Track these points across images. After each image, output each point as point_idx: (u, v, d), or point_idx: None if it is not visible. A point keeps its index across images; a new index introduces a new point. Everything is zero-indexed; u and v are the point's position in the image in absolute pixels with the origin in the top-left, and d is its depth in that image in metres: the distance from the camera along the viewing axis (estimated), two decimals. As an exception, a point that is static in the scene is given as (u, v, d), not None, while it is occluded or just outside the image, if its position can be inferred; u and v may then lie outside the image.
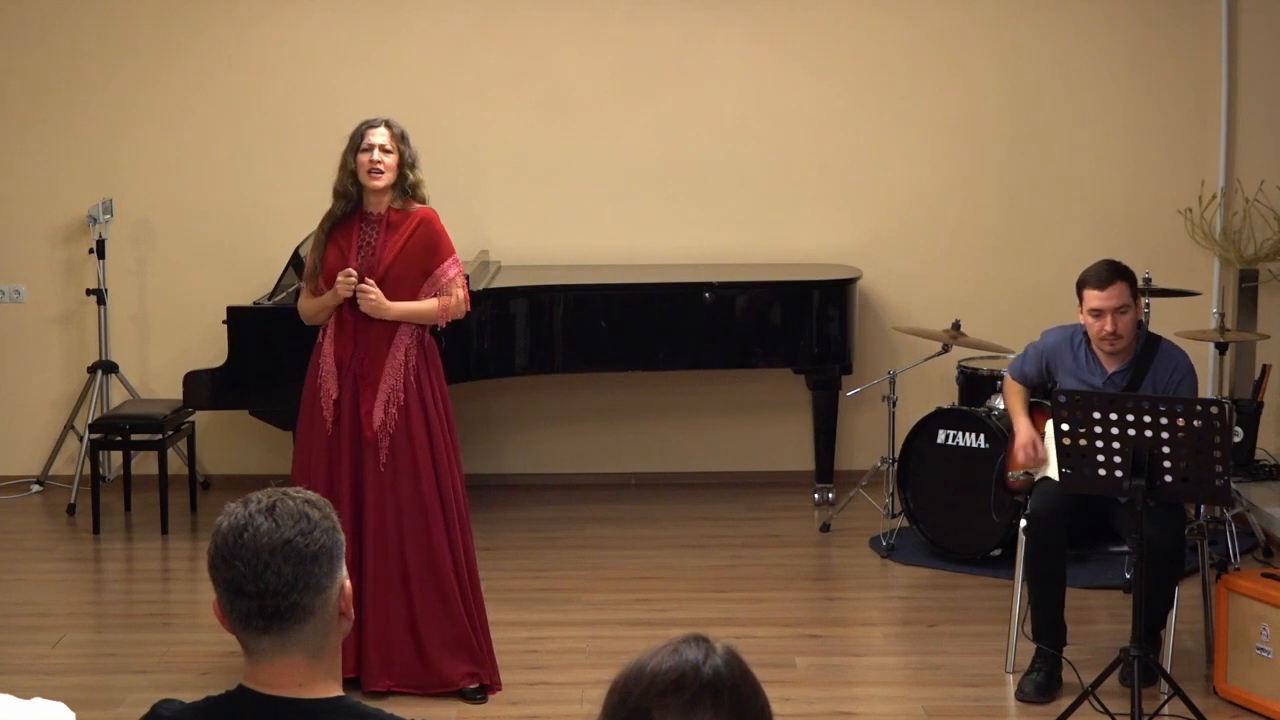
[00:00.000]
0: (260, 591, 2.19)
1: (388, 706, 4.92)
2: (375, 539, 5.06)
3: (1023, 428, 5.44)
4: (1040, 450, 5.32)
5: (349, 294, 5.03)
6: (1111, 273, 5.14)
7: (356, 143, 5.08)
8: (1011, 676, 5.27)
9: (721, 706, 1.88)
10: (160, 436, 7.06)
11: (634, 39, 7.70)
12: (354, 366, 5.09)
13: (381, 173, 5.05)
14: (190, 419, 7.34)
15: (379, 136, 5.06)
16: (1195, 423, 4.53)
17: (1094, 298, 5.14)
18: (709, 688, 1.88)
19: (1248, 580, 5.10)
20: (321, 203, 7.71)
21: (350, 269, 5.03)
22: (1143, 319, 5.73)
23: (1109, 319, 5.12)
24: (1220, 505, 5.64)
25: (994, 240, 7.79)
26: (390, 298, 5.05)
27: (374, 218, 5.12)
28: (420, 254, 5.10)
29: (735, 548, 6.85)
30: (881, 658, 5.68)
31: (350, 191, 5.09)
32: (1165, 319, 6.78)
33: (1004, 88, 7.73)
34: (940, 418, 6.53)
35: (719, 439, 7.90)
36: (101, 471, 7.38)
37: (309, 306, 5.17)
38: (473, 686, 5.11)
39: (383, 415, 5.04)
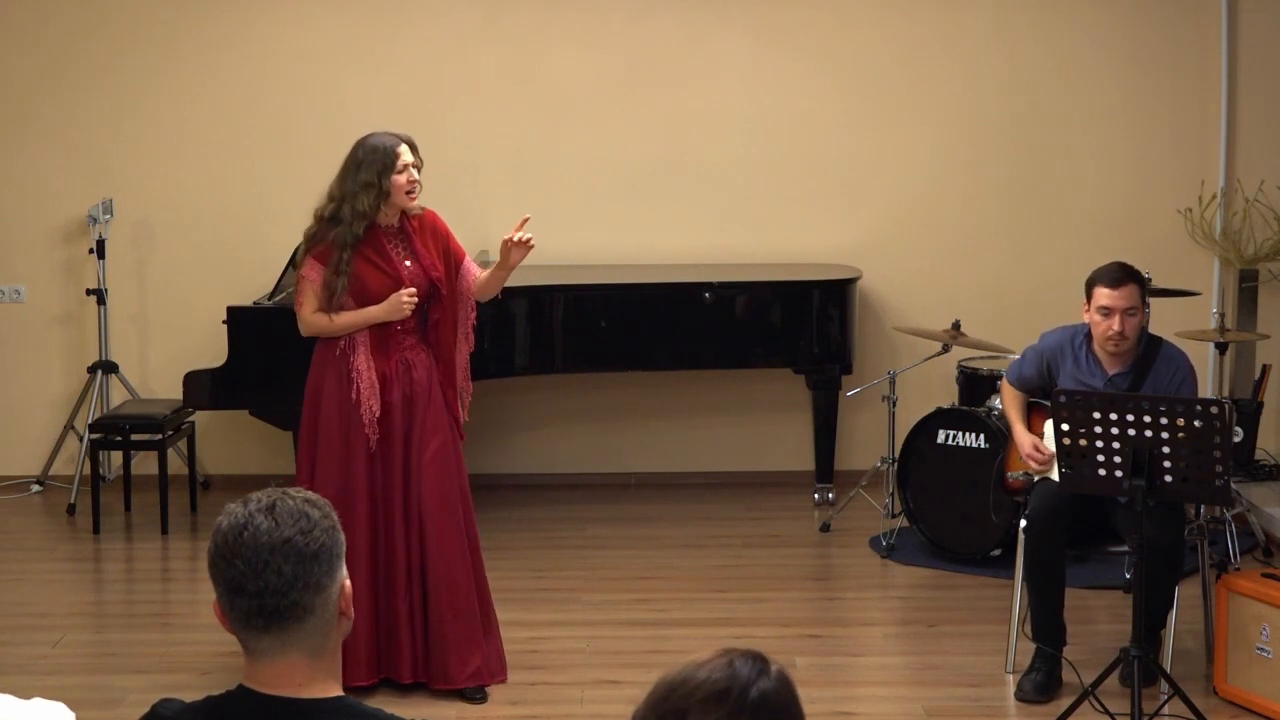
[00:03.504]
0: (260, 590, 2.19)
1: (404, 704, 4.96)
2: (406, 542, 5.08)
3: (1020, 435, 5.43)
4: (1045, 450, 5.31)
5: (410, 312, 5.04)
6: (1125, 274, 5.16)
7: (389, 163, 4.98)
8: (1011, 676, 5.27)
9: None
10: (160, 436, 7.06)
11: (634, 38, 7.70)
12: (401, 381, 5.08)
13: (415, 192, 5.05)
14: (190, 419, 7.34)
15: (409, 155, 5.03)
16: (1195, 423, 4.54)
17: (1104, 295, 5.14)
18: (750, 708, 1.90)
19: (1248, 580, 5.10)
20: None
21: (412, 289, 5.03)
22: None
23: (1118, 319, 5.12)
24: (1220, 505, 5.64)
25: (994, 240, 7.78)
26: (445, 299, 5.13)
27: (391, 229, 5.08)
28: (446, 253, 5.15)
29: (735, 548, 6.85)
30: (881, 658, 5.68)
31: (373, 212, 5.01)
32: (1165, 319, 6.77)
33: (1004, 87, 7.73)
34: (940, 418, 6.53)
35: (719, 439, 7.90)
36: (101, 471, 7.38)
37: (343, 322, 5.03)
38: (471, 687, 5.12)
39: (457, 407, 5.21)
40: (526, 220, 5.11)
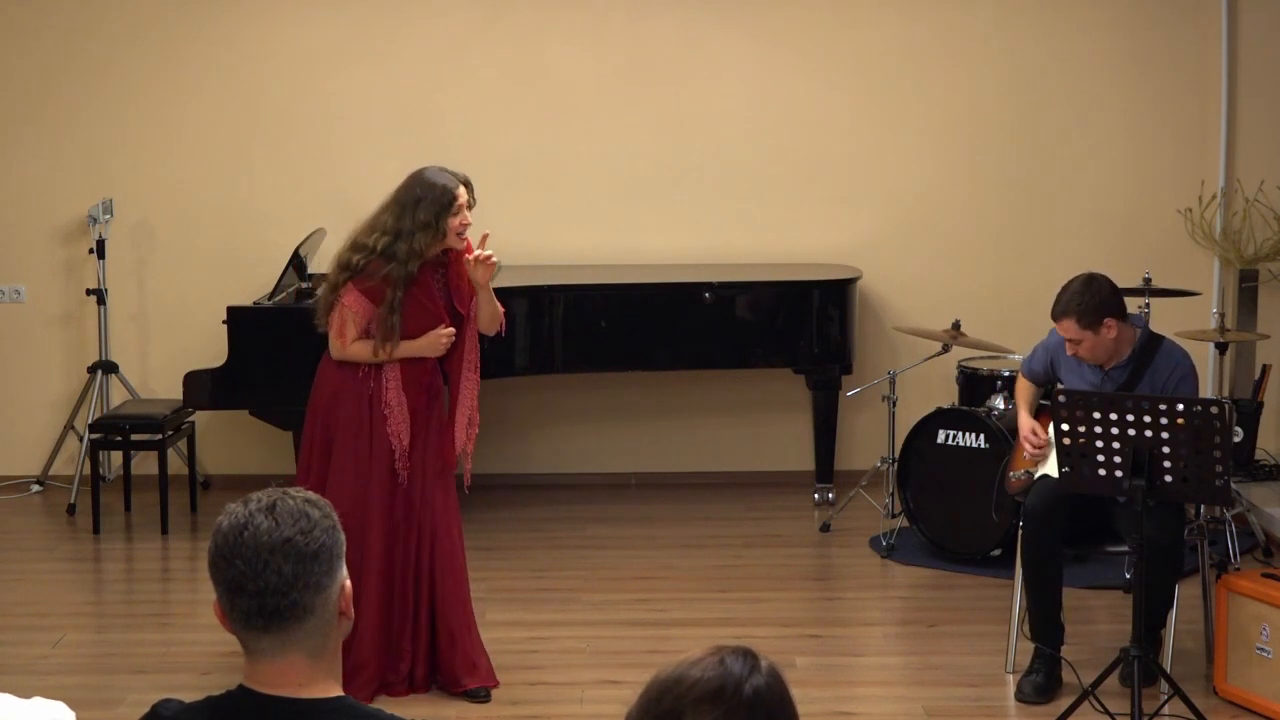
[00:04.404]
0: (260, 590, 2.19)
1: (403, 704, 4.97)
2: (416, 562, 5.10)
3: (1023, 420, 5.45)
4: (1043, 435, 5.31)
5: (445, 350, 5.08)
6: (1064, 308, 5.12)
7: (447, 203, 4.95)
8: (1011, 676, 5.27)
9: None
10: (160, 436, 7.06)
11: (634, 38, 7.70)
12: (424, 414, 5.10)
13: (465, 234, 5.05)
14: (190, 419, 7.34)
15: (464, 195, 5.00)
16: (1195, 423, 4.54)
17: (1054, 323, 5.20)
18: (745, 706, 1.90)
19: (1248, 580, 5.10)
20: (322, 202, 7.75)
21: (451, 329, 5.06)
22: (1144, 316, 5.74)
23: (1069, 345, 5.18)
24: (1220, 505, 5.64)
25: (994, 240, 7.78)
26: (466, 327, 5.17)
27: (430, 262, 5.06)
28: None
29: (735, 548, 6.84)
30: (881, 658, 5.68)
31: (427, 251, 4.98)
32: (1165, 319, 6.77)
33: (1004, 87, 7.73)
34: (940, 418, 6.53)
35: (719, 439, 7.89)
36: (101, 471, 7.38)
37: (398, 355, 5.04)
38: (482, 687, 5.16)
39: (464, 436, 5.23)
40: (487, 237, 5.08)
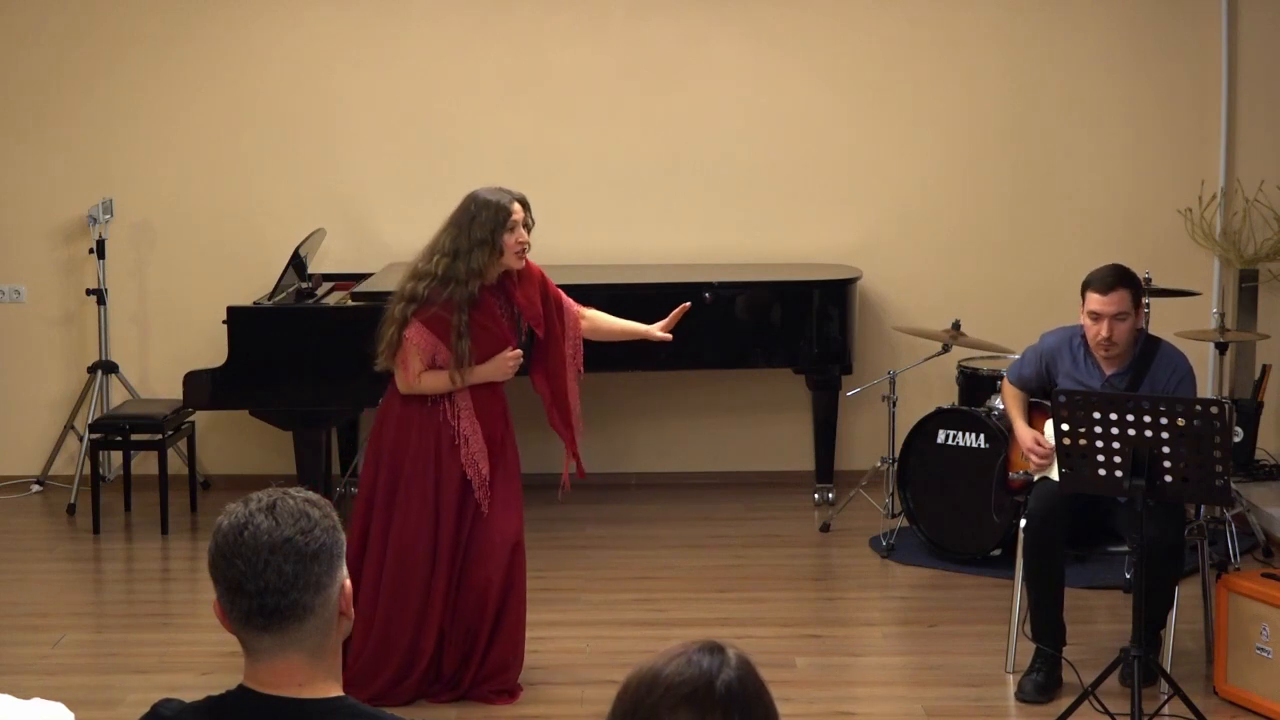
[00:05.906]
0: (260, 590, 2.19)
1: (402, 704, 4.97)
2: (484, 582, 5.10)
3: (1021, 431, 5.44)
4: (1045, 444, 5.30)
5: (513, 373, 5.07)
6: (1116, 279, 5.13)
7: (502, 219, 4.93)
8: (1011, 676, 5.27)
9: None
10: (160, 436, 7.06)
11: (634, 39, 7.71)
12: (503, 440, 5.10)
13: (525, 253, 5.04)
14: (190, 419, 7.34)
15: (519, 212, 4.99)
16: (1195, 423, 4.54)
17: (1094, 300, 5.14)
18: (720, 703, 1.90)
19: (1248, 580, 5.10)
20: (322, 202, 7.76)
21: (518, 351, 5.06)
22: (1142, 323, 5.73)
23: (1106, 324, 5.12)
24: (1220, 505, 5.64)
25: (994, 240, 7.79)
26: (548, 343, 5.20)
27: (492, 285, 5.04)
28: (544, 296, 5.18)
29: (735, 548, 6.85)
30: (881, 658, 5.68)
31: (486, 269, 4.96)
32: (1165, 319, 6.78)
33: (1004, 87, 7.73)
34: (940, 418, 6.53)
35: (719, 439, 7.90)
36: (101, 471, 7.38)
37: (462, 379, 4.98)
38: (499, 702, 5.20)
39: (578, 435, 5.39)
40: (687, 309, 5.28)
